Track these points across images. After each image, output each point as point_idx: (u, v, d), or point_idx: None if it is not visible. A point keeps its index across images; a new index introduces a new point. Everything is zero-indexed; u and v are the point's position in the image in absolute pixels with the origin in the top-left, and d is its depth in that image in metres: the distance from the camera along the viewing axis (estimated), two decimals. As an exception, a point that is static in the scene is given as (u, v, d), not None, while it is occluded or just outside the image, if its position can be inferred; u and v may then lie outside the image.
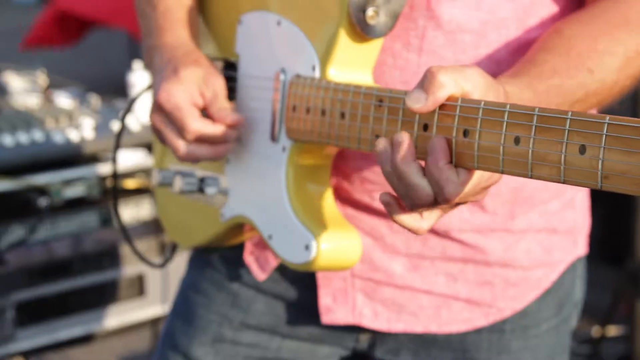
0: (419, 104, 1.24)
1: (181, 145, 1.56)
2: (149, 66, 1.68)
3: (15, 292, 3.03)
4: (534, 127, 1.15)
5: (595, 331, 4.08)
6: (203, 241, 1.79)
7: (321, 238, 1.48)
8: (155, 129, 1.59)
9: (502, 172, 1.20)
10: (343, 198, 1.64)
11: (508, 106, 1.18)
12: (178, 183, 1.68)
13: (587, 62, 1.43)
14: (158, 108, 1.56)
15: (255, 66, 1.61)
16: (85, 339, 3.21)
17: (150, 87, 1.71)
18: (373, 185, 1.60)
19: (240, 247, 1.78)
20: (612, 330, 4.08)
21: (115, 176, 1.96)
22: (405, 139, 1.26)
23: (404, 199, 1.29)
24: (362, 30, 1.44)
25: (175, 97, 1.53)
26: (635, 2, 1.48)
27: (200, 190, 1.68)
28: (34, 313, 3.08)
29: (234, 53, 1.67)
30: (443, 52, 1.51)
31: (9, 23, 11.90)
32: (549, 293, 1.72)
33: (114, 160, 1.91)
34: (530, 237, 1.66)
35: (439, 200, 1.26)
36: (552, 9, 1.55)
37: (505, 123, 1.18)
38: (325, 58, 1.48)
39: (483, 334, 1.70)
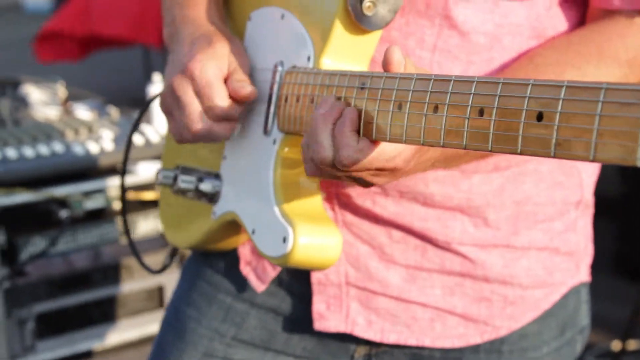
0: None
1: (201, 118, 1.53)
2: (171, 37, 1.65)
3: (35, 303, 3.04)
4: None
5: (614, 345, 4.06)
6: (197, 241, 1.77)
7: (299, 232, 1.46)
8: (173, 94, 1.54)
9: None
10: (343, 204, 1.62)
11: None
12: (176, 181, 1.68)
13: None
14: (188, 76, 1.52)
15: (258, 60, 1.61)
16: (105, 351, 3.21)
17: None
18: (376, 188, 1.59)
19: (232, 256, 1.77)
20: (632, 345, 4.06)
21: (124, 173, 1.92)
22: (328, 100, 1.33)
23: (308, 150, 1.34)
24: (358, 21, 1.43)
25: (208, 72, 1.51)
26: (615, 35, 1.47)
27: (197, 188, 1.68)
28: (54, 325, 3.09)
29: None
30: (457, 51, 1.51)
31: (22, 32, 11.94)
32: (550, 315, 1.69)
33: (124, 166, 1.90)
34: (531, 255, 1.64)
35: (336, 162, 1.30)
36: (567, 19, 1.55)
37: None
38: (320, 48, 1.47)
39: (480, 354, 1.67)
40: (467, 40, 1.50)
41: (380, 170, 1.32)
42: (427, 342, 1.65)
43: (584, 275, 1.74)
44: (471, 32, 1.50)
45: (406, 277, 1.63)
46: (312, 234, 1.47)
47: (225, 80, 1.54)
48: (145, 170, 3.17)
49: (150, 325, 3.25)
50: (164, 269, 1.93)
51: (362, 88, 1.31)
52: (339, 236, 1.49)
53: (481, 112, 1.13)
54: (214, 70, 1.52)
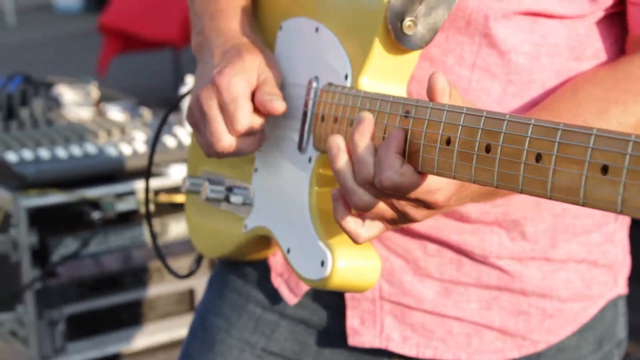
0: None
1: (224, 135, 1.50)
2: (200, 46, 1.62)
3: (66, 305, 3.04)
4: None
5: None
6: (226, 252, 1.74)
7: (338, 255, 1.42)
8: (200, 109, 1.51)
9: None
10: None
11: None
12: (205, 190, 1.64)
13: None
14: (215, 90, 1.49)
15: (290, 73, 1.58)
16: (134, 354, 3.21)
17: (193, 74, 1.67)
18: None
19: (262, 267, 1.74)
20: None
21: (148, 176, 1.91)
22: (367, 117, 1.30)
23: (351, 174, 1.31)
24: (397, 40, 1.39)
25: (235, 87, 1.48)
26: None
27: (227, 199, 1.65)
28: (84, 326, 3.09)
29: None
30: (496, 70, 1.49)
31: (54, 32, 12.00)
32: (589, 328, 1.67)
33: (148, 169, 1.88)
34: (570, 268, 1.62)
35: (375, 181, 1.26)
36: (606, 39, 1.52)
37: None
38: (358, 67, 1.44)
39: None
40: (506, 59, 1.48)
41: (419, 201, 1.29)
42: (464, 357, 1.63)
43: (621, 287, 1.71)
44: (511, 51, 1.48)
45: (441, 292, 1.61)
46: (351, 258, 1.43)
47: (253, 93, 1.51)
48: (177, 173, 3.16)
49: (180, 328, 3.24)
50: (190, 274, 1.91)
51: (406, 116, 1.28)
52: (378, 259, 1.45)
53: (538, 158, 1.10)
54: (241, 85, 1.49)
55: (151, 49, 7.27)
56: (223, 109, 1.49)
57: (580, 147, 1.05)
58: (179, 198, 3.16)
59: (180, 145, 3.27)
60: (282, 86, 1.57)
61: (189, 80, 3.49)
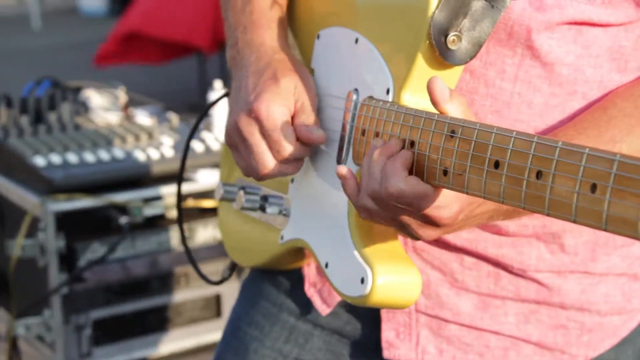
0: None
1: (270, 163, 1.50)
2: (234, 60, 1.61)
3: (93, 310, 3.03)
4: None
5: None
6: (260, 262, 1.73)
7: (378, 272, 1.40)
8: (240, 134, 1.52)
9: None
10: None
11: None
12: (240, 199, 1.63)
13: (617, 145, 1.39)
14: (254, 118, 1.49)
15: (329, 83, 1.56)
16: (161, 359, 3.20)
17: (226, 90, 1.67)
18: None
19: (295, 276, 1.73)
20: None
21: (180, 181, 1.89)
22: (396, 142, 1.33)
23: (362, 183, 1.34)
24: (441, 56, 1.37)
25: (274, 114, 1.48)
26: None
27: (262, 208, 1.63)
28: (110, 331, 3.08)
29: (310, 68, 1.62)
30: (539, 83, 1.46)
31: (79, 35, 12.05)
32: (628, 342, 1.64)
33: (180, 174, 1.87)
34: (610, 281, 1.59)
35: (382, 190, 1.29)
36: None
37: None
38: (400, 81, 1.41)
39: None
40: (549, 71, 1.45)
41: (425, 217, 1.30)
42: None
43: None
44: (555, 62, 1.45)
45: (478, 305, 1.59)
46: (392, 275, 1.41)
47: (293, 118, 1.51)
48: (205, 178, 3.15)
49: (206, 334, 3.23)
50: (222, 281, 1.89)
51: (451, 136, 1.26)
52: (418, 275, 1.43)
53: (594, 188, 1.07)
54: (280, 111, 1.48)
55: (179, 56, 7.26)
56: (266, 135, 1.49)
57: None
58: (207, 203, 3.15)
59: (208, 150, 3.26)
60: (319, 97, 1.56)
61: (218, 85, 3.48)
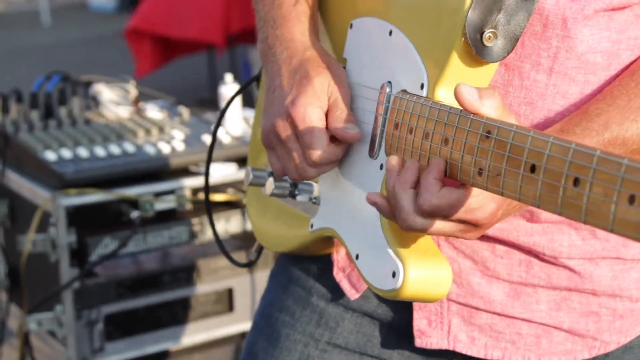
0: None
1: (307, 169, 1.53)
2: (265, 54, 1.63)
3: (104, 305, 3.02)
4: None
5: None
6: (289, 248, 1.74)
7: (409, 266, 1.40)
8: (277, 137, 1.54)
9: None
10: None
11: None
12: (270, 185, 1.63)
13: None
14: (291, 123, 1.52)
15: (361, 74, 1.56)
16: (173, 354, 3.19)
17: (255, 80, 1.72)
18: None
19: (324, 260, 1.73)
20: None
21: (207, 174, 1.93)
22: (413, 164, 1.35)
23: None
24: (477, 53, 1.36)
25: (310, 117, 1.50)
26: None
27: (292, 195, 1.63)
28: (122, 326, 3.07)
29: (342, 57, 1.62)
30: (574, 73, 1.45)
31: (89, 31, 12.06)
32: None
33: (207, 173, 1.89)
34: None
35: (416, 207, 1.33)
36: None
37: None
38: (435, 77, 1.40)
39: None
40: (584, 60, 1.44)
41: (462, 222, 1.32)
42: (533, 359, 1.62)
43: None
44: (588, 51, 1.44)
45: (510, 293, 1.59)
46: (423, 269, 1.40)
47: (327, 114, 1.53)
48: (216, 172, 3.14)
49: (218, 328, 3.22)
50: (250, 263, 1.93)
51: (487, 136, 1.25)
52: (449, 269, 1.43)
53: (632, 200, 1.05)
54: (316, 114, 1.51)
55: (190, 52, 7.26)
56: (300, 139, 1.51)
57: None
58: (218, 197, 3.13)
59: (219, 144, 3.24)
60: (351, 85, 1.56)
61: (228, 79, 3.47)
